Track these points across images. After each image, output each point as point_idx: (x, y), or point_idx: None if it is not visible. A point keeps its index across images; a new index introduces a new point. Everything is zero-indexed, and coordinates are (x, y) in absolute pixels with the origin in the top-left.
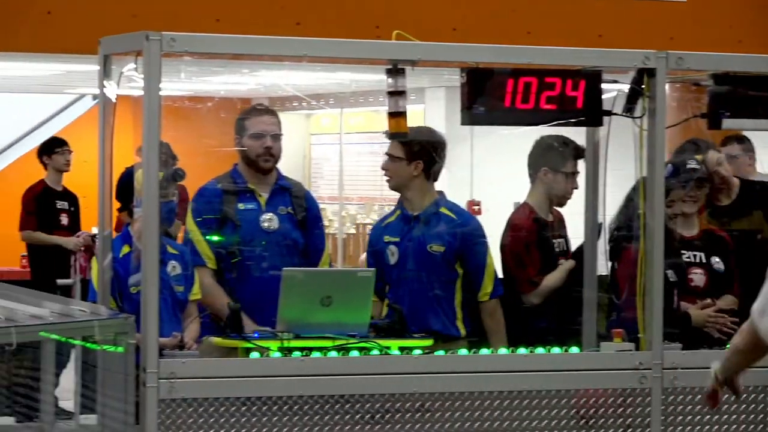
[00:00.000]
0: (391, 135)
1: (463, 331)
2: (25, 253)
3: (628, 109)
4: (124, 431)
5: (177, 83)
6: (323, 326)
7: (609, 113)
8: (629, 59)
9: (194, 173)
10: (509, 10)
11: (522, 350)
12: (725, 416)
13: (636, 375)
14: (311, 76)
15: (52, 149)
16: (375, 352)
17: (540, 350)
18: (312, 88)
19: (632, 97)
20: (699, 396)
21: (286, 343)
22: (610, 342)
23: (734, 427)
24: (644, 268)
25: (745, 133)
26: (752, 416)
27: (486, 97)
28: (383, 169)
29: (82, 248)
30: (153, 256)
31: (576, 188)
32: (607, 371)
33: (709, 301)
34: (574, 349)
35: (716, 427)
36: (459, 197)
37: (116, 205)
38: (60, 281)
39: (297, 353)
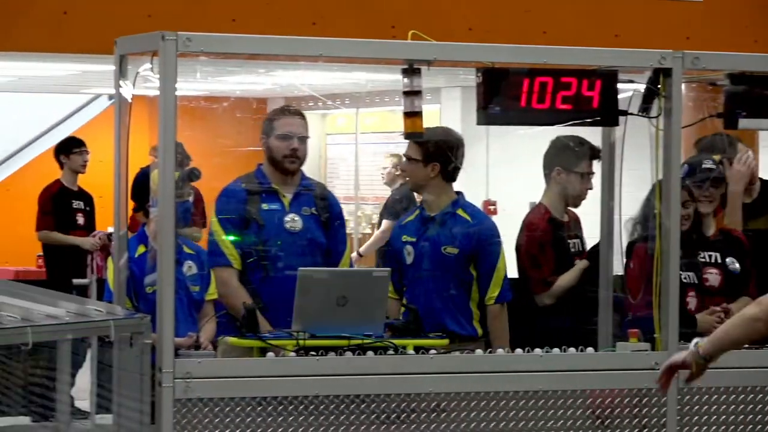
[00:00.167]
0: (407, 135)
1: (480, 331)
2: (41, 253)
3: (644, 109)
4: (139, 431)
5: (193, 83)
6: (339, 326)
7: (625, 113)
8: (645, 59)
9: (210, 173)
10: (525, 10)
11: (537, 350)
12: (741, 416)
13: (651, 375)
14: (327, 76)
15: (70, 149)
16: (391, 352)
17: (555, 350)
18: (328, 88)
19: (648, 97)
20: (714, 396)
21: (301, 343)
22: (625, 342)
23: (750, 427)
24: (660, 267)
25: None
26: None
27: (502, 97)
28: (401, 170)
29: (99, 248)
30: (168, 255)
31: (590, 189)
32: (622, 371)
33: (719, 308)
34: (590, 349)
35: (732, 427)
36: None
37: (131, 205)
38: (76, 281)
39: (312, 353)
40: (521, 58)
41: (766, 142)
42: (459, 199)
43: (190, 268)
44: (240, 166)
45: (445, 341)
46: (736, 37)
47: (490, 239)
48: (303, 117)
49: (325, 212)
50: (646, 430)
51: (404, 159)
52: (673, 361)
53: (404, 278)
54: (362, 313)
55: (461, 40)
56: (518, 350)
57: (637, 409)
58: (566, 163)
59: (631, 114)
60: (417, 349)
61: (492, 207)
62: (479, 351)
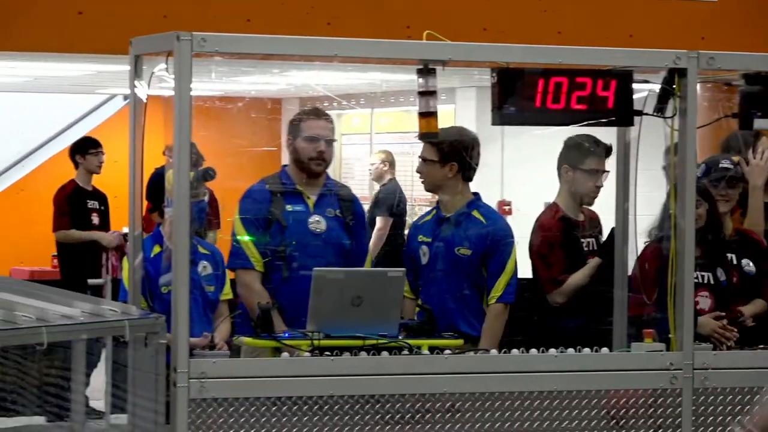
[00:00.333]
0: (422, 135)
1: None
2: (56, 253)
3: (659, 109)
4: (154, 431)
5: (207, 83)
6: (353, 326)
7: (640, 113)
8: (660, 59)
9: (224, 173)
10: (540, 10)
11: (552, 351)
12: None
13: (667, 375)
14: (342, 76)
15: (86, 149)
16: (405, 352)
17: (570, 351)
18: (342, 88)
19: (663, 97)
20: (730, 396)
21: (316, 343)
22: (640, 342)
23: None
24: (675, 268)
25: None
26: None
27: (516, 97)
28: (417, 172)
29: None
30: (183, 255)
31: (600, 186)
32: (637, 371)
33: (724, 314)
34: (605, 350)
35: None
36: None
37: (146, 205)
38: (91, 281)
39: (327, 353)
40: (536, 58)
41: None
42: (475, 200)
43: (205, 268)
44: (254, 166)
45: (460, 341)
46: (751, 37)
47: (502, 240)
48: (330, 120)
49: (350, 215)
50: (661, 430)
51: (420, 161)
52: None
53: (419, 278)
54: (377, 313)
55: (476, 40)
56: (533, 350)
57: (652, 410)
58: (573, 160)
59: (646, 114)
60: (432, 349)
61: (507, 207)
62: (494, 351)
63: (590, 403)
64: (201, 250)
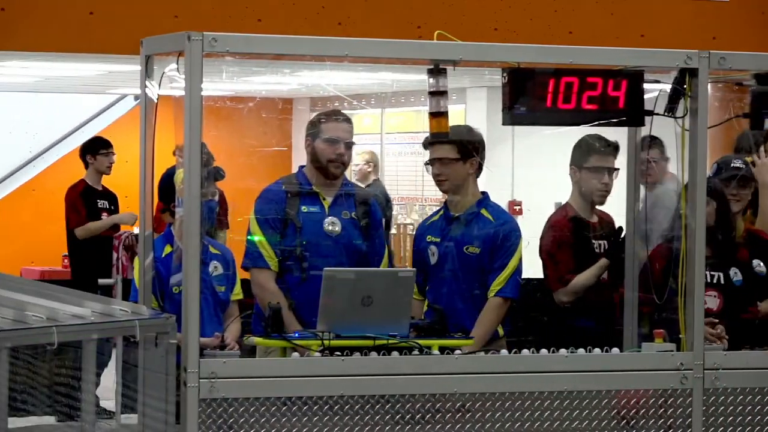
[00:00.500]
0: (433, 135)
1: (501, 332)
2: (67, 253)
3: (670, 109)
4: (164, 431)
5: (218, 83)
6: (364, 326)
7: (651, 113)
8: (671, 59)
9: (235, 173)
10: (551, 10)
11: (563, 351)
12: (767, 417)
13: (677, 375)
14: (352, 76)
15: (97, 150)
16: (416, 352)
17: (581, 351)
18: (353, 89)
19: (674, 97)
20: (740, 397)
21: (326, 343)
22: (651, 342)
23: None
24: (685, 268)
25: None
26: None
27: (527, 97)
28: (436, 174)
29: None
30: (194, 255)
31: (605, 183)
32: (648, 372)
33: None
34: (615, 350)
35: (758, 428)
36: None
37: (158, 205)
38: (101, 281)
39: (337, 353)
40: (547, 58)
41: None
42: (484, 199)
43: (216, 268)
44: (265, 166)
45: (471, 341)
46: (762, 37)
47: (509, 236)
48: (350, 122)
49: (365, 218)
50: (671, 430)
51: (436, 163)
52: None
53: (429, 279)
54: (387, 313)
55: (487, 40)
56: (543, 351)
57: (662, 410)
58: (578, 160)
59: (657, 114)
60: (442, 349)
61: (517, 207)
62: (504, 351)
63: (600, 404)
64: (212, 250)
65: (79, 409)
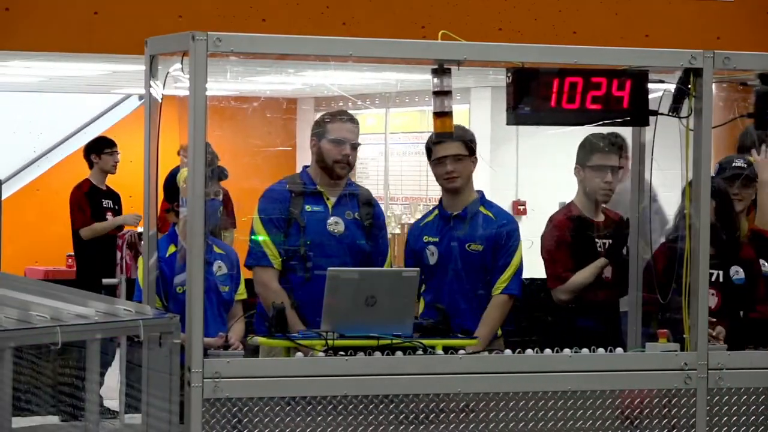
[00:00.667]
0: (437, 135)
1: (499, 331)
2: (71, 253)
3: (675, 109)
4: (168, 431)
5: (223, 83)
6: (367, 326)
7: (655, 113)
8: (676, 59)
9: (240, 173)
10: (555, 10)
11: (567, 351)
12: None
13: (681, 375)
14: (357, 76)
15: (102, 149)
16: (419, 352)
17: (585, 351)
18: (357, 88)
19: (678, 97)
20: (744, 397)
21: (330, 343)
22: (655, 342)
23: None
24: (689, 268)
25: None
26: None
27: (531, 97)
28: (449, 171)
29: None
30: (198, 255)
31: (608, 182)
32: (652, 372)
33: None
34: (619, 350)
35: (762, 428)
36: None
37: (161, 204)
38: (105, 281)
39: (341, 353)
40: (551, 58)
41: None
42: (482, 197)
43: (220, 268)
44: (269, 166)
45: (475, 341)
46: (767, 36)
47: (511, 234)
48: (356, 123)
49: (369, 218)
50: (675, 430)
51: (448, 159)
52: None
53: (426, 279)
54: (391, 313)
55: (491, 40)
56: (547, 350)
57: (666, 410)
58: (581, 159)
59: (662, 114)
60: (446, 349)
61: (521, 207)
62: (508, 351)
63: (605, 404)
64: (216, 250)
65: (83, 408)
